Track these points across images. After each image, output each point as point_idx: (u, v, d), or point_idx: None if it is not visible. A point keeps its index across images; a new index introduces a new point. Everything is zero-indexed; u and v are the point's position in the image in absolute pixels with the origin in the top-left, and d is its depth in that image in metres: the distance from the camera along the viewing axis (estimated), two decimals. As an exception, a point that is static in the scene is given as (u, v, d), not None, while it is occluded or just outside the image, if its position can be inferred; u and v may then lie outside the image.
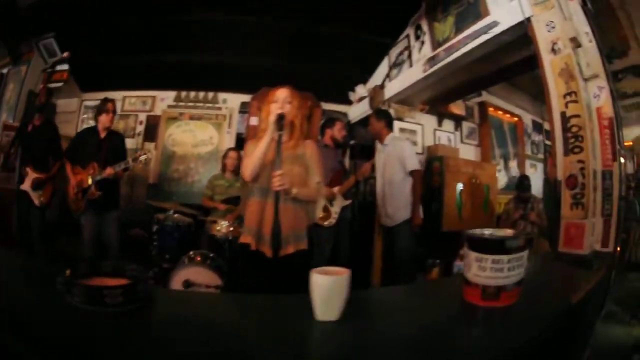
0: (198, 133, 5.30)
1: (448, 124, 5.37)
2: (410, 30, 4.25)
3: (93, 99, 4.86)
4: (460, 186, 4.76)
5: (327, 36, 4.59)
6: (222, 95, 5.36)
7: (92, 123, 3.74)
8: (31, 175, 3.56)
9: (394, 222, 3.57)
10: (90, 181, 3.35)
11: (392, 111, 4.79)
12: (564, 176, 2.06)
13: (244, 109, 5.21)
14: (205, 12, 4.20)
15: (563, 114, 2.17)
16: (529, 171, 6.12)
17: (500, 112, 6.16)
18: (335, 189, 3.67)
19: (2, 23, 4.06)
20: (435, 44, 3.77)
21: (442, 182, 4.62)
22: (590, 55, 2.25)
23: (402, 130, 4.73)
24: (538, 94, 5.56)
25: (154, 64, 4.87)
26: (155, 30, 4.41)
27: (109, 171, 3.31)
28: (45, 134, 3.71)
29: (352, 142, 3.92)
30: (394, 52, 4.55)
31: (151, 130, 5.31)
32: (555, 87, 2.25)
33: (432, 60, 3.74)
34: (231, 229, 3.44)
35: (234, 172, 4.12)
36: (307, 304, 1.14)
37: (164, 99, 5.33)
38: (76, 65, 4.53)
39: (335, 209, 3.62)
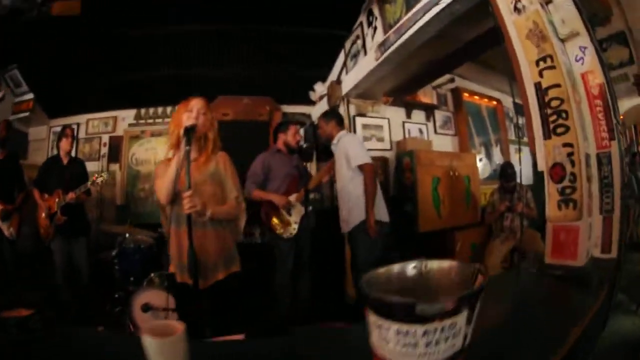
0: (160, 150, 5.06)
1: (419, 115, 4.90)
2: (362, 17, 3.84)
3: (60, 124, 4.86)
4: (436, 181, 4.26)
5: (282, 36, 4.34)
6: None
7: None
8: None
9: (349, 227, 3.12)
10: (56, 207, 3.42)
11: (352, 107, 4.32)
12: (547, 166, 1.55)
13: None
14: (155, 26, 4.11)
15: (538, 86, 1.67)
16: (515, 158, 5.68)
17: (476, 97, 5.74)
18: (292, 197, 3.30)
19: None
20: (387, 27, 3.33)
21: (415, 179, 4.13)
22: (564, 10, 1.75)
23: (365, 126, 4.28)
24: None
25: (112, 84, 4.81)
26: (109, 50, 4.37)
27: (70, 196, 3.37)
28: (8, 166, 3.75)
29: (304, 145, 3.42)
30: (349, 43, 4.11)
31: (114, 151, 5.20)
32: (523, 53, 1.76)
33: (383, 45, 3.31)
34: None
35: None
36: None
37: (125, 118, 5.23)
38: (41, 93, 4.75)
39: (294, 219, 3.26)
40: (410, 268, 0.81)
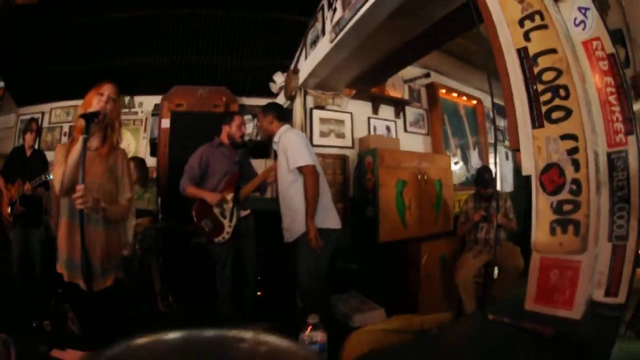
0: (125, 141, 4.77)
1: (387, 111, 4.38)
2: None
3: (28, 112, 4.96)
4: (401, 184, 3.76)
5: (242, 20, 3.96)
6: (138, 99, 4.94)
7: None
8: None
9: (292, 236, 2.68)
10: (16, 197, 3.51)
11: (310, 99, 3.78)
12: (536, 169, 1.02)
13: (157, 111, 4.53)
14: (113, 12, 3.94)
15: (523, 52, 1.15)
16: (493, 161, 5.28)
17: (454, 95, 5.28)
18: (229, 197, 2.89)
19: None
20: (346, 5, 2.79)
21: (376, 181, 3.61)
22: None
23: (324, 120, 3.75)
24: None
25: (76, 71, 4.56)
26: (70, 37, 4.22)
27: (27, 187, 3.40)
28: None
29: (248, 139, 2.91)
30: (310, 28, 3.62)
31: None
32: (501, 10, 1.24)
33: (337, 25, 2.82)
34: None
35: (141, 184, 3.78)
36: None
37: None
38: (10, 81, 4.80)
39: (228, 222, 2.88)
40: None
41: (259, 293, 3.31)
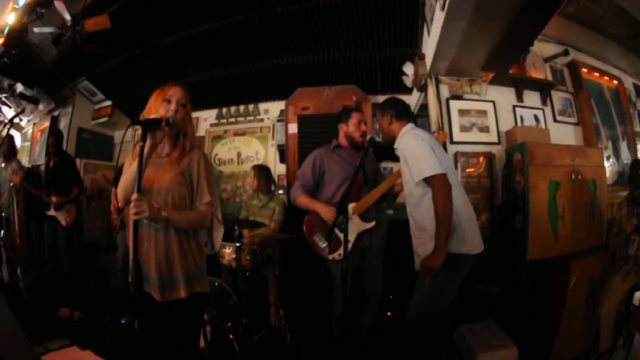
0: (243, 149, 5.12)
1: (532, 97, 3.71)
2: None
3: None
4: (554, 186, 3.11)
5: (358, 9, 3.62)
6: (263, 106, 5.06)
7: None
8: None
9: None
10: None
11: (444, 87, 3.25)
12: None
13: (282, 116, 4.48)
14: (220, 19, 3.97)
15: None
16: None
17: (596, 74, 4.42)
18: (350, 207, 2.53)
19: (40, 78, 5.07)
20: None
21: (526, 183, 3.00)
22: None
23: (463, 112, 3.23)
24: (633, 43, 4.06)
25: (192, 84, 4.74)
26: (186, 49, 4.38)
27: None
28: (61, 167, 4.30)
29: (370, 138, 2.48)
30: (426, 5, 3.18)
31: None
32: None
33: None
34: (234, 256, 3.02)
35: (265, 192, 3.71)
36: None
37: (207, 118, 5.26)
38: (118, 98, 5.34)
39: (346, 237, 2.29)
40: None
41: (388, 313, 2.95)
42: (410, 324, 2.20)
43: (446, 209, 2.02)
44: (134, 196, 1.55)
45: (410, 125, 2.34)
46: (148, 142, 1.61)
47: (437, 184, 2.05)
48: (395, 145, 2.33)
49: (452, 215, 2.04)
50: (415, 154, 2.13)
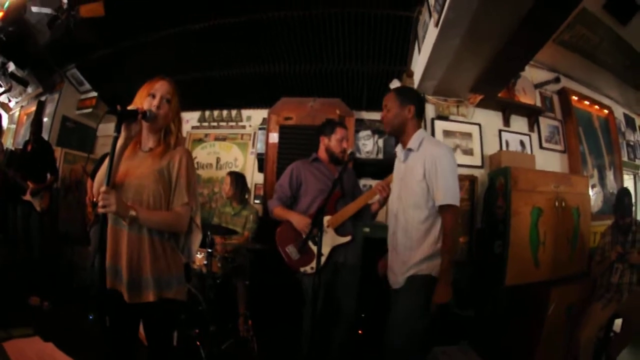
0: (223, 155, 4.97)
1: (519, 123, 3.72)
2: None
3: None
4: (536, 213, 3.10)
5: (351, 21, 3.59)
6: (246, 112, 4.95)
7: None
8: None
9: (400, 282, 2.06)
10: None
11: (430, 107, 3.25)
12: None
13: (264, 125, 4.37)
14: (214, 19, 3.91)
15: None
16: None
17: (586, 103, 4.47)
18: (326, 220, 2.45)
19: (32, 60, 5.02)
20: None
21: (508, 208, 2.97)
22: None
23: (448, 133, 3.23)
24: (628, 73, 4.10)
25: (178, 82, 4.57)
26: (176, 47, 4.34)
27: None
28: (38, 154, 4.29)
29: (355, 155, 2.44)
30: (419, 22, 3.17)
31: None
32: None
33: (437, 2, 2.39)
34: (205, 262, 2.96)
35: (238, 200, 3.61)
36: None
37: (188, 120, 5.09)
38: (104, 91, 5.25)
39: (319, 250, 2.21)
40: None
41: (359, 331, 2.89)
42: (390, 347, 2.05)
43: (456, 242, 1.98)
44: (102, 189, 1.47)
45: (424, 130, 2.13)
46: (123, 134, 1.55)
47: (455, 215, 1.92)
48: (412, 146, 2.04)
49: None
50: (449, 176, 1.93)
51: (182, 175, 1.68)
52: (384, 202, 2.44)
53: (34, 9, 3.84)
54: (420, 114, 2.09)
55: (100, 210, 1.46)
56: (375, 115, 4.05)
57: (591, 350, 2.81)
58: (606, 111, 4.67)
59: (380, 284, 2.28)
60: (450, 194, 1.90)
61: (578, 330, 2.83)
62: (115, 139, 1.51)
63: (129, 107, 1.59)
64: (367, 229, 3.20)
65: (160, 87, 1.70)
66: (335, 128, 2.67)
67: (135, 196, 1.63)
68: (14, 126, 6.05)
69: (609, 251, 2.94)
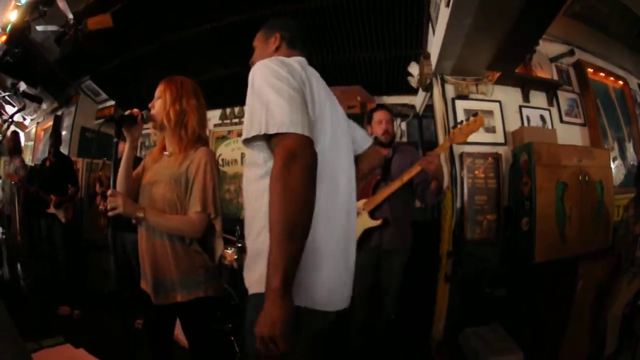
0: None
1: (538, 98, 3.64)
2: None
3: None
4: (561, 188, 3.05)
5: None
6: None
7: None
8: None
9: (247, 283, 1.31)
10: None
11: (449, 87, 3.21)
12: None
13: None
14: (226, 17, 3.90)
15: None
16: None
17: (602, 75, 4.38)
18: (361, 203, 2.49)
19: (43, 77, 5.10)
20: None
21: (533, 185, 2.95)
22: None
23: (468, 112, 3.12)
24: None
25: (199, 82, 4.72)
26: (188, 47, 4.34)
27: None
28: (58, 167, 4.36)
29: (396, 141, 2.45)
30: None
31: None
32: None
33: None
34: (235, 257, 2.97)
35: None
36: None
37: (210, 118, 5.14)
38: (122, 99, 5.33)
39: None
40: None
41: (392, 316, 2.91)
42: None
43: (291, 209, 0.97)
44: (109, 191, 1.51)
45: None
46: (128, 139, 1.62)
47: (285, 150, 1.02)
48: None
49: (304, 227, 0.99)
50: (256, 91, 1.22)
51: (198, 180, 1.61)
52: (437, 176, 2.30)
53: (39, 28, 3.88)
54: (293, 41, 1.44)
55: (110, 213, 1.50)
56: (398, 99, 4.08)
57: (617, 328, 2.74)
58: (621, 82, 4.60)
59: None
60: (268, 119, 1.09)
61: (605, 307, 2.80)
62: (116, 144, 1.55)
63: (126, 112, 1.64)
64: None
65: (157, 89, 1.72)
66: (372, 113, 2.72)
67: (149, 201, 1.65)
68: (31, 143, 6.25)
69: (633, 224, 2.90)
